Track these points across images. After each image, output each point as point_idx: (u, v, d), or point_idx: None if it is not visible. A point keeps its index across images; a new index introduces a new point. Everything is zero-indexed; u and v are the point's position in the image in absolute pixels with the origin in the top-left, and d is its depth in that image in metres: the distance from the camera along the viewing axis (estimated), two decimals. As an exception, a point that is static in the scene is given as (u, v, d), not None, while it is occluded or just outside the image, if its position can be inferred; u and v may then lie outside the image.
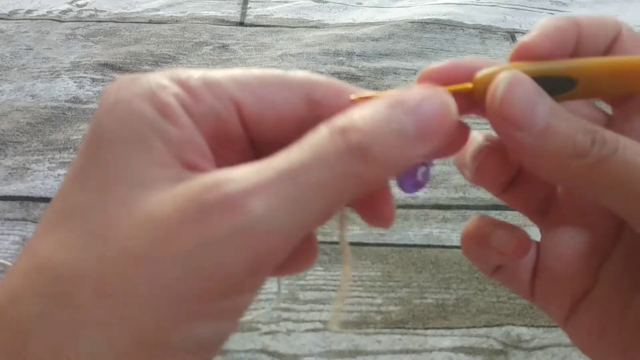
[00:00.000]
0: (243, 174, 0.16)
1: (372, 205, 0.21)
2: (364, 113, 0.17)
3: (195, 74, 0.18)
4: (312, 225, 0.17)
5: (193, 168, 0.17)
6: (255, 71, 0.19)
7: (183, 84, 0.18)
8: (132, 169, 0.17)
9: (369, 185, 0.17)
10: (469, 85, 0.20)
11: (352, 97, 0.20)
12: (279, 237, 0.16)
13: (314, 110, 0.19)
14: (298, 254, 0.21)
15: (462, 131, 0.21)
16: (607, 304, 0.22)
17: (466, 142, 0.21)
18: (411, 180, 0.20)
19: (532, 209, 0.24)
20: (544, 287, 0.24)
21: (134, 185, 0.17)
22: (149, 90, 0.18)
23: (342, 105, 0.19)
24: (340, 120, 0.17)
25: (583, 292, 0.23)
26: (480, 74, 0.20)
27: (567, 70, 0.20)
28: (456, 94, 0.19)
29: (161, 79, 0.18)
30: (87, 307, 0.16)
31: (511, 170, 0.23)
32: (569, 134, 0.19)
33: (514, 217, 0.62)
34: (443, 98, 0.18)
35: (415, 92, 0.18)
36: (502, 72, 0.19)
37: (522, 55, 0.20)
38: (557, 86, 0.20)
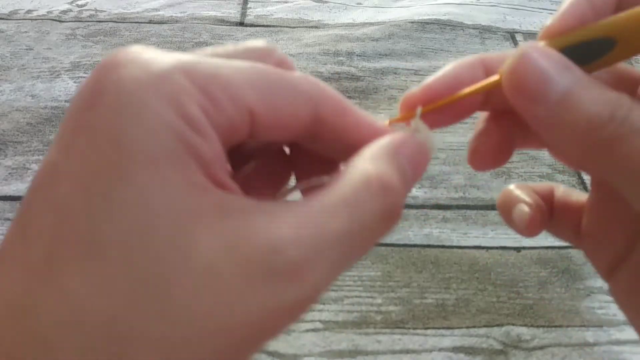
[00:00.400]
0: (298, 235, 0.16)
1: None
2: (388, 166, 0.18)
3: (213, 73, 0.17)
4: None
5: (220, 185, 0.16)
6: (271, 74, 0.18)
7: (204, 90, 0.16)
8: (172, 195, 0.15)
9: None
10: (496, 78, 0.20)
11: (387, 122, 0.21)
12: (318, 298, 0.17)
13: (316, 123, 0.19)
14: None
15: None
16: None
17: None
18: None
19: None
20: (587, 242, 0.24)
21: (179, 217, 0.15)
22: (171, 93, 0.16)
23: (343, 124, 0.19)
24: (375, 173, 0.18)
25: (625, 249, 0.22)
26: (506, 64, 0.19)
27: (602, 30, 0.19)
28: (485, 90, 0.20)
29: (180, 79, 0.16)
30: None
31: (506, 154, 0.24)
32: (587, 105, 0.18)
33: (514, 217, 0.62)
34: (426, 147, 0.20)
35: (412, 142, 0.19)
36: (514, 52, 0.19)
37: (550, 34, 0.20)
38: (594, 51, 0.19)
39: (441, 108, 0.21)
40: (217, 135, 0.16)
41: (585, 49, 0.19)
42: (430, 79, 0.22)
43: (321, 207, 0.17)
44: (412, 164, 0.19)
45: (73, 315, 0.14)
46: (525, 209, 0.24)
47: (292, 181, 0.22)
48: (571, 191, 0.26)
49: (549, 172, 0.67)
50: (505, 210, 0.25)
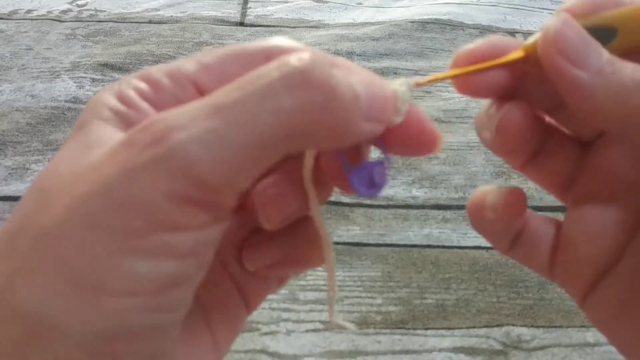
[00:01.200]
0: (176, 112, 0.17)
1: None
2: (317, 56, 0.17)
3: (161, 66, 0.20)
4: (247, 164, 0.17)
5: None
6: (220, 50, 0.20)
7: (145, 78, 0.19)
8: (92, 136, 0.18)
9: (312, 127, 0.17)
10: (520, 53, 0.20)
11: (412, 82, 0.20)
12: (203, 171, 0.16)
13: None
14: (303, 249, 0.21)
15: (429, 133, 0.20)
16: (632, 279, 0.21)
17: (434, 146, 0.20)
18: (365, 179, 0.19)
19: (556, 184, 0.24)
20: (565, 263, 0.23)
21: (90, 146, 0.18)
22: (116, 88, 0.20)
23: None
24: (292, 55, 0.17)
25: (606, 268, 0.22)
26: (530, 40, 0.20)
27: (606, 19, 0.20)
28: (507, 66, 0.20)
29: (129, 78, 0.20)
30: (26, 256, 0.16)
31: (535, 135, 0.22)
32: (630, 69, 0.18)
33: (514, 217, 0.62)
34: (390, 87, 0.19)
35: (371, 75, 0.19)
36: (551, 18, 0.19)
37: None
38: (598, 39, 0.20)
39: (464, 75, 0.21)
40: (152, 108, 0.19)
41: (592, 35, 0.20)
42: (483, 41, 0.21)
43: (213, 93, 0.17)
44: (365, 84, 0.18)
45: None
46: (502, 188, 0.23)
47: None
48: (535, 215, 0.24)
49: (549, 172, 0.67)
50: (477, 203, 0.23)
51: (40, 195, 0.17)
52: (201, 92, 0.19)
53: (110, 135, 0.18)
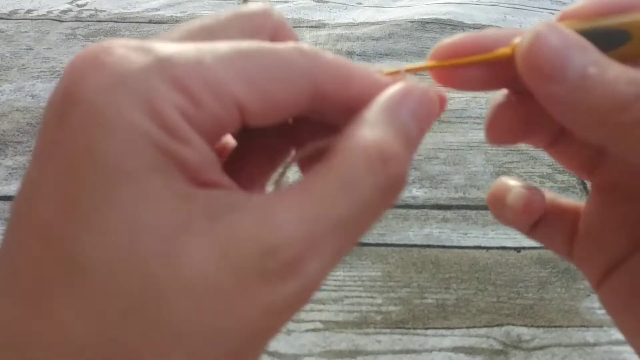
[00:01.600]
0: (295, 226, 0.15)
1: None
2: (387, 129, 0.17)
3: (192, 65, 0.16)
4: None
5: (210, 185, 0.16)
6: (258, 53, 0.17)
7: (182, 87, 0.15)
8: (156, 209, 0.14)
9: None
10: (507, 50, 0.19)
11: (384, 71, 0.20)
12: (319, 285, 0.16)
13: (317, 99, 0.18)
14: None
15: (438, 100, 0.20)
16: None
17: (442, 108, 0.20)
18: None
19: (580, 166, 0.23)
20: (583, 248, 0.23)
21: (165, 231, 0.14)
22: (142, 96, 0.15)
23: (349, 96, 0.18)
24: (373, 142, 0.16)
25: (624, 256, 0.22)
26: (517, 39, 0.19)
27: (620, 23, 0.19)
28: (491, 64, 0.19)
29: (155, 80, 0.15)
30: None
31: (529, 125, 0.22)
32: (609, 85, 0.17)
33: (514, 217, 0.62)
34: (434, 94, 0.18)
35: (417, 92, 0.18)
36: (528, 32, 0.18)
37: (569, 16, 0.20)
38: (609, 41, 0.19)
39: (450, 68, 0.20)
40: (200, 137, 0.15)
41: (600, 38, 0.19)
42: (465, 35, 0.20)
43: (317, 195, 0.16)
44: (417, 118, 0.17)
45: (68, 344, 0.14)
46: (522, 190, 0.23)
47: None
48: (559, 197, 0.25)
49: (549, 172, 0.67)
50: (498, 198, 0.23)
51: (131, 311, 0.14)
52: (243, 113, 0.16)
53: (187, 210, 0.15)
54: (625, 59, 0.19)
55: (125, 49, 0.15)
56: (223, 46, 0.16)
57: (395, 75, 0.20)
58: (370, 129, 0.17)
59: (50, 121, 0.15)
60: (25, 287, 0.14)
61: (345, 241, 0.16)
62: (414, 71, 0.21)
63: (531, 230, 0.25)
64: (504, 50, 0.20)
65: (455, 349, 0.50)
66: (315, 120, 0.19)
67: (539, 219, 0.24)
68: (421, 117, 0.18)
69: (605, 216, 0.23)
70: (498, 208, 0.24)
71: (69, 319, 0.14)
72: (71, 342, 0.14)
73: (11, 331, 0.14)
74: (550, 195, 0.24)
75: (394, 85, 0.18)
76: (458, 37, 0.20)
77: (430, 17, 0.95)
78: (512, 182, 0.23)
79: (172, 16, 0.95)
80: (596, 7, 0.19)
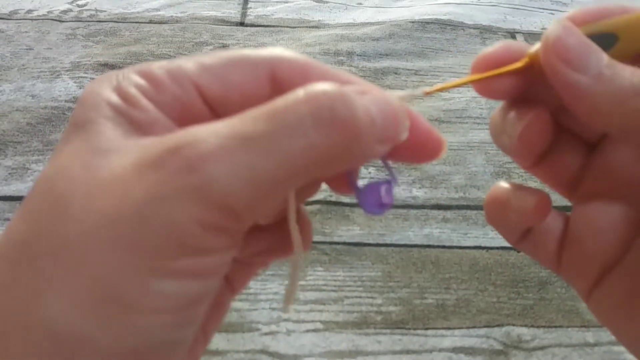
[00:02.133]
0: (205, 135, 0.16)
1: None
2: (339, 87, 0.17)
3: (161, 64, 0.19)
4: (273, 195, 0.17)
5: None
6: (222, 53, 0.20)
7: (146, 75, 0.19)
8: (101, 139, 0.17)
9: (335, 160, 0.17)
10: (524, 61, 0.21)
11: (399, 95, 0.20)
12: (234, 199, 0.16)
13: (279, 89, 0.19)
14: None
15: (434, 140, 0.20)
16: (636, 275, 0.22)
17: (439, 152, 0.21)
18: (375, 198, 0.20)
19: (563, 183, 0.24)
20: (571, 258, 0.24)
21: (102, 152, 0.17)
22: (115, 82, 0.19)
23: (308, 82, 0.19)
24: (316, 86, 0.17)
25: (612, 263, 0.22)
26: (534, 48, 0.21)
27: (607, 25, 0.20)
28: (512, 75, 0.20)
29: (128, 73, 0.19)
30: (50, 269, 0.16)
31: (549, 139, 0.23)
32: (628, 74, 0.19)
33: (514, 217, 0.62)
34: (397, 105, 0.19)
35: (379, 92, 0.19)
36: (549, 29, 0.20)
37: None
38: (599, 45, 0.20)
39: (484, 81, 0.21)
40: (159, 110, 0.19)
41: (593, 41, 0.20)
42: (501, 44, 0.21)
43: (237, 118, 0.17)
44: (378, 105, 0.18)
45: (4, 238, 0.17)
46: (526, 193, 0.23)
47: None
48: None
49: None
50: (500, 202, 0.23)
51: (55, 200, 0.17)
52: (203, 94, 0.19)
53: (121, 138, 0.18)
54: (616, 59, 0.20)
55: (123, 70, 0.20)
56: (201, 55, 0.20)
57: (410, 98, 0.21)
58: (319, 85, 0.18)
59: None
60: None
61: (259, 157, 0.16)
62: (432, 93, 0.22)
63: (519, 241, 0.25)
64: (520, 62, 0.21)
65: (456, 349, 0.50)
66: None
67: (528, 230, 0.24)
68: (381, 105, 0.18)
69: (591, 224, 0.23)
70: (498, 211, 0.23)
71: (16, 221, 0.17)
72: (6, 231, 0.17)
73: None
74: None
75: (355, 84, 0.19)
76: (497, 46, 0.21)
77: (431, 17, 0.95)
78: (512, 186, 0.23)
79: (172, 16, 0.95)
80: (582, 16, 0.21)
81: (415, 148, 0.20)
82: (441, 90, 0.22)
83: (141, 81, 0.19)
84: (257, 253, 0.23)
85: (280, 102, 0.17)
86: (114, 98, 0.18)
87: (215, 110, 0.20)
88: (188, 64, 0.19)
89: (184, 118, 0.19)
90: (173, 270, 0.16)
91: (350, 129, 0.17)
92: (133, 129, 0.18)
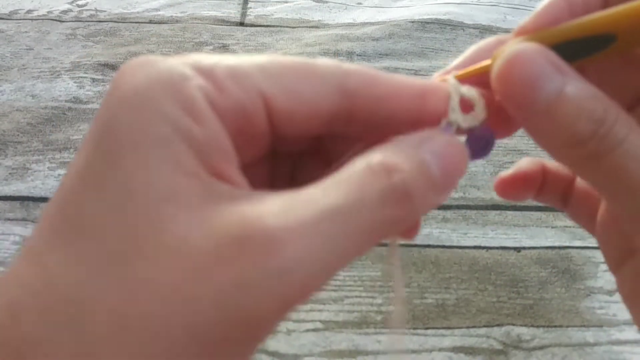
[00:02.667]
0: (283, 209, 0.15)
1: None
2: (401, 154, 0.17)
3: (220, 61, 0.17)
4: (344, 266, 0.16)
5: (218, 174, 0.16)
6: (284, 60, 0.18)
7: (207, 74, 0.16)
8: (156, 179, 0.15)
9: (403, 227, 0.17)
10: (489, 62, 0.19)
11: (455, 75, 0.20)
12: (312, 280, 0.15)
13: (347, 102, 0.18)
14: None
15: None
16: None
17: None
18: (480, 145, 0.20)
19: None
20: (603, 229, 0.24)
21: (160, 200, 0.15)
22: (170, 81, 0.16)
23: (378, 94, 0.18)
24: (381, 156, 0.16)
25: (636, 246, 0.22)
26: (499, 50, 0.19)
27: (602, 25, 0.18)
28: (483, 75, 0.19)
29: (183, 68, 0.16)
30: (99, 339, 0.14)
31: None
32: (569, 120, 0.18)
33: (514, 217, 0.62)
34: (462, 146, 0.18)
35: (440, 138, 0.18)
36: (508, 46, 0.18)
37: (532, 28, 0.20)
38: (593, 45, 0.18)
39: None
40: (219, 120, 0.16)
41: (584, 44, 0.18)
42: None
43: (311, 189, 0.16)
44: (440, 157, 0.17)
45: (43, 283, 0.15)
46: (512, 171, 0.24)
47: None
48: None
49: (549, 172, 0.67)
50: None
51: (110, 260, 0.14)
52: (269, 105, 0.17)
53: (185, 181, 0.15)
54: (611, 56, 0.19)
55: (165, 57, 0.17)
56: (252, 55, 0.17)
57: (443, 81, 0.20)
58: (381, 150, 0.17)
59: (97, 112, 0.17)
60: (33, 242, 0.16)
61: (342, 232, 0.15)
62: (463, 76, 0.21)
63: (564, 206, 0.25)
64: (487, 62, 0.20)
65: (455, 349, 0.50)
66: (349, 142, 0.19)
67: (568, 195, 0.25)
68: (444, 157, 0.17)
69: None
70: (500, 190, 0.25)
71: (52, 263, 0.15)
72: (44, 281, 0.15)
73: (7, 280, 0.15)
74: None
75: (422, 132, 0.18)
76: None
77: (430, 17, 0.95)
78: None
79: (172, 16, 0.95)
80: (551, 19, 0.19)
81: None
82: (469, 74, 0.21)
83: (203, 81, 0.16)
84: None
85: (348, 173, 0.16)
86: (173, 108, 0.15)
87: (277, 125, 0.17)
88: (252, 67, 0.17)
89: (242, 131, 0.17)
90: (231, 355, 0.15)
91: (416, 211, 0.17)
92: (193, 156, 0.15)
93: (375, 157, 0.16)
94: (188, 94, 0.16)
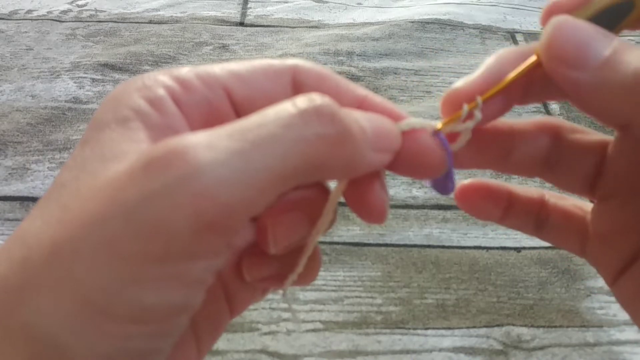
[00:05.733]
0: (197, 133, 0.16)
1: (360, 198, 0.21)
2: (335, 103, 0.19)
3: (194, 69, 0.20)
4: (267, 189, 0.17)
5: None
6: (247, 61, 0.21)
7: (176, 77, 0.19)
8: (109, 146, 0.18)
9: (339, 162, 0.18)
10: (534, 58, 0.20)
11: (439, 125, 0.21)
12: (226, 195, 0.15)
13: (298, 94, 0.20)
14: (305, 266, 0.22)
15: (439, 157, 0.21)
16: None
17: (441, 167, 0.22)
18: (447, 183, 0.23)
19: (580, 187, 0.24)
20: (595, 248, 0.24)
21: (106, 159, 0.17)
22: (142, 84, 0.19)
23: (325, 90, 0.20)
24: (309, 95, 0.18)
25: (636, 255, 0.22)
26: (541, 38, 0.20)
27: None
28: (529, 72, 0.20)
29: (157, 75, 0.19)
30: (38, 271, 0.16)
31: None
32: (632, 63, 0.18)
33: (514, 217, 0.62)
34: (394, 126, 0.20)
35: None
36: (548, 25, 0.19)
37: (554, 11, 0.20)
38: (615, 16, 0.19)
39: (489, 99, 0.21)
40: (180, 112, 0.19)
41: (609, 15, 0.19)
42: (474, 75, 0.21)
43: (234, 121, 0.17)
44: (371, 120, 0.19)
45: (11, 237, 0.17)
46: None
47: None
48: (563, 198, 0.25)
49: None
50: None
51: (56, 207, 0.17)
52: (231, 97, 0.20)
53: (129, 144, 0.17)
54: (631, 26, 0.20)
55: (153, 72, 0.20)
56: (219, 64, 0.20)
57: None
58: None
59: None
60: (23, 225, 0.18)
61: (246, 145, 0.16)
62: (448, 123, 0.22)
63: (538, 231, 0.25)
64: (532, 59, 0.20)
65: (455, 349, 0.50)
66: None
67: (543, 220, 0.24)
68: (374, 121, 0.19)
69: (612, 221, 0.23)
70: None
71: (26, 221, 0.17)
72: (16, 231, 0.17)
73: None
74: (554, 196, 0.25)
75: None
76: (467, 80, 0.21)
77: (430, 17, 0.95)
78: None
79: (172, 16, 0.95)
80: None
81: (414, 165, 0.21)
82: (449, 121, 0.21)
83: (170, 82, 0.19)
84: (263, 279, 0.22)
85: (270, 107, 0.18)
86: (138, 100, 0.19)
87: (241, 114, 0.20)
88: (216, 68, 0.20)
89: (211, 119, 0.19)
90: (157, 278, 0.16)
91: (338, 127, 0.18)
92: (147, 133, 0.18)
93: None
94: (154, 91, 0.19)
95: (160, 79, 0.19)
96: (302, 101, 0.18)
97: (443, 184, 0.23)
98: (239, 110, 0.20)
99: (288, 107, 0.17)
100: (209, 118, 0.19)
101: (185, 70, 0.20)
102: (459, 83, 0.21)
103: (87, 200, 0.16)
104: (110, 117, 0.18)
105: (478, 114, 0.21)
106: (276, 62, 0.21)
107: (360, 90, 0.21)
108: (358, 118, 0.19)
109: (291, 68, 0.21)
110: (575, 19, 0.19)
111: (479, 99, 0.21)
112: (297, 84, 0.21)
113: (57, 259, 0.16)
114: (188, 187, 0.15)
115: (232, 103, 0.20)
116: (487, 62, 0.21)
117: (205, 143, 0.16)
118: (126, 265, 0.15)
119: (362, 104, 0.21)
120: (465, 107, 0.21)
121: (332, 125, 0.17)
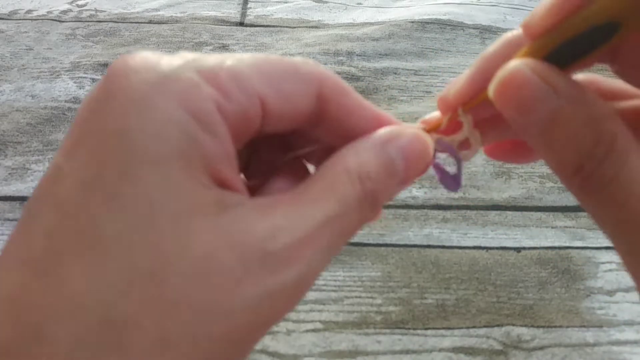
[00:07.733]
0: (290, 224, 0.17)
1: None
2: (371, 157, 0.19)
3: (221, 64, 0.17)
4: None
5: (224, 182, 0.17)
6: (274, 61, 0.18)
7: (213, 80, 0.16)
8: (178, 193, 0.15)
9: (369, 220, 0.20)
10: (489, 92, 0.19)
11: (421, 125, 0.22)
12: (314, 281, 0.18)
13: (320, 105, 0.20)
14: None
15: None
16: None
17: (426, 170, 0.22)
18: (455, 180, 0.24)
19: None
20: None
21: (183, 214, 0.15)
22: (180, 89, 0.16)
23: (346, 104, 0.20)
24: (355, 163, 0.19)
25: None
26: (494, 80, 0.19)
27: (603, 16, 0.16)
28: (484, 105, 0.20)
29: (189, 74, 0.16)
30: (143, 357, 0.14)
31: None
32: (558, 148, 0.17)
33: (514, 217, 0.62)
34: (424, 139, 0.20)
35: (407, 133, 0.20)
36: (499, 72, 0.18)
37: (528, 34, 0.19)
38: (595, 38, 0.17)
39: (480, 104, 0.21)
40: (228, 129, 0.17)
41: (583, 41, 0.17)
42: (463, 75, 0.21)
43: (307, 198, 0.18)
44: (404, 156, 0.20)
45: (68, 305, 0.14)
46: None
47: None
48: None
49: (549, 172, 0.66)
50: None
51: (140, 278, 0.14)
52: (264, 108, 0.18)
53: (202, 197, 0.16)
54: (617, 45, 0.18)
55: (162, 55, 0.17)
56: (244, 55, 0.18)
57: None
58: (355, 153, 0.19)
59: (85, 115, 0.16)
60: (35, 252, 0.15)
61: (333, 237, 0.18)
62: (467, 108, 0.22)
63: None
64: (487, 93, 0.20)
65: (455, 349, 0.50)
66: (313, 139, 0.21)
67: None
68: (409, 155, 0.20)
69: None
70: None
71: (74, 282, 0.14)
72: (69, 302, 0.14)
73: (11, 292, 0.14)
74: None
75: (386, 127, 0.20)
76: (459, 80, 0.21)
77: (430, 17, 0.95)
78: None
79: (172, 16, 0.95)
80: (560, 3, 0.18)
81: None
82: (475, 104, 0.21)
83: (212, 90, 0.16)
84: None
85: (332, 180, 0.18)
86: (186, 119, 0.15)
87: (267, 122, 0.18)
88: (249, 70, 0.17)
89: (241, 130, 0.17)
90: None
91: (379, 212, 0.20)
92: (205, 168, 0.16)
93: (350, 162, 0.19)
94: (200, 105, 0.16)
95: (200, 84, 0.16)
96: (362, 188, 0.19)
97: (452, 181, 0.24)
98: (268, 119, 0.18)
99: (351, 195, 0.18)
100: (241, 129, 0.17)
101: (220, 70, 0.17)
102: (446, 89, 0.22)
103: (192, 283, 0.15)
104: (162, 147, 0.15)
105: (466, 121, 0.21)
106: (302, 66, 0.19)
107: (375, 108, 0.21)
108: (395, 163, 0.19)
109: (318, 79, 0.19)
110: (529, 65, 0.17)
111: (460, 111, 0.21)
112: (321, 97, 0.19)
113: (168, 350, 0.14)
114: (297, 289, 0.17)
115: (264, 112, 0.18)
116: (474, 63, 0.21)
117: (308, 240, 0.17)
118: (243, 354, 0.17)
119: (379, 122, 0.21)
120: (445, 119, 0.22)
121: (375, 213, 0.19)
